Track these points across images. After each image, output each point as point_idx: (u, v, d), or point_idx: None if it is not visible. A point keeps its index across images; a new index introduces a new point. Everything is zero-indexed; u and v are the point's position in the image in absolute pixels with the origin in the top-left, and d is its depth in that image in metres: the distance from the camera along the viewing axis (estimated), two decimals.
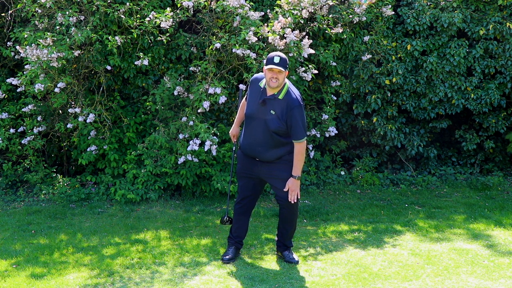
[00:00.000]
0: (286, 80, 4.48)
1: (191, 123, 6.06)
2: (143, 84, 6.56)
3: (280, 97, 4.40)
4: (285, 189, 4.48)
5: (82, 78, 6.36)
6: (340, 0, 6.78)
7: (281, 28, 6.00)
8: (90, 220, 5.86)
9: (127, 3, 6.02)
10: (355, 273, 4.48)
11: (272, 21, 6.26)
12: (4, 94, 6.59)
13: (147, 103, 6.57)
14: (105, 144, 6.38)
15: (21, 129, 6.52)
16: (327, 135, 6.86)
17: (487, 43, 7.10)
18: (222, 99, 5.90)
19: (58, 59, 5.76)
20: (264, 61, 4.51)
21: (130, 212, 6.07)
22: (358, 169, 7.43)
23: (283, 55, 4.37)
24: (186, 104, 6.29)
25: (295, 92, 4.46)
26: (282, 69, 4.32)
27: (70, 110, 6.18)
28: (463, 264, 4.68)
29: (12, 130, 6.44)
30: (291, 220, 4.70)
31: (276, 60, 4.32)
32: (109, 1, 6.05)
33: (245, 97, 4.76)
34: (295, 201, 4.50)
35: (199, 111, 6.10)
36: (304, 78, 6.36)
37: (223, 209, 6.23)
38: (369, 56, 6.87)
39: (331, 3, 6.57)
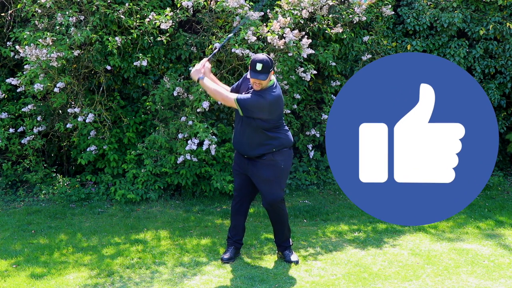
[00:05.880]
0: (273, 78, 4.49)
1: (190, 122, 6.05)
2: (143, 84, 6.56)
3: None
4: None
5: (82, 78, 6.36)
6: (340, 0, 6.78)
7: (280, 28, 6.00)
8: (90, 220, 5.86)
9: (127, 3, 6.02)
10: (355, 273, 4.48)
11: (271, 20, 6.26)
12: (4, 94, 6.59)
13: (147, 103, 6.57)
14: (105, 144, 6.37)
15: (21, 129, 6.51)
16: None
17: (487, 43, 7.09)
18: None
19: (58, 59, 5.76)
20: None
21: (130, 212, 6.07)
22: None
23: (266, 58, 4.33)
24: (186, 104, 6.29)
25: (274, 90, 4.41)
26: (263, 79, 4.31)
27: (69, 110, 6.18)
28: (463, 264, 4.68)
29: (11, 130, 6.44)
30: (281, 221, 4.70)
31: (258, 67, 4.30)
32: (109, 1, 6.05)
33: (236, 84, 4.71)
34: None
35: (198, 110, 6.10)
36: (303, 78, 6.36)
37: (223, 209, 6.22)
38: (369, 56, 6.87)
39: (331, 3, 6.57)
